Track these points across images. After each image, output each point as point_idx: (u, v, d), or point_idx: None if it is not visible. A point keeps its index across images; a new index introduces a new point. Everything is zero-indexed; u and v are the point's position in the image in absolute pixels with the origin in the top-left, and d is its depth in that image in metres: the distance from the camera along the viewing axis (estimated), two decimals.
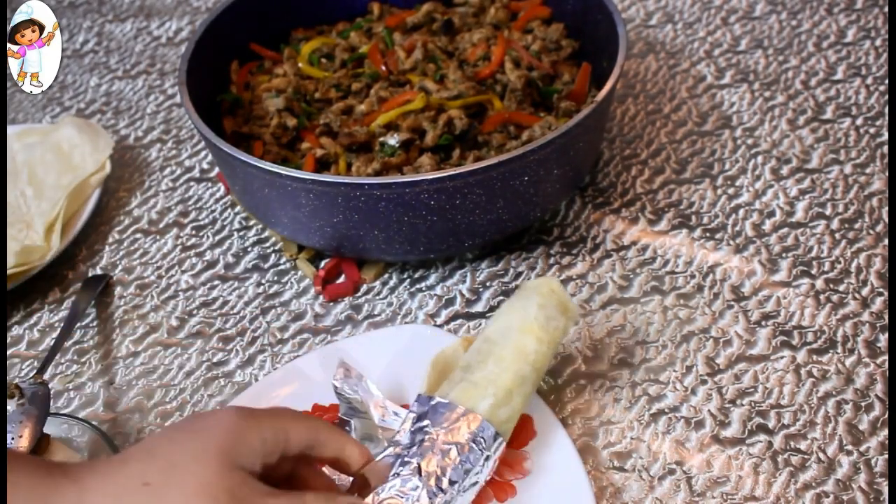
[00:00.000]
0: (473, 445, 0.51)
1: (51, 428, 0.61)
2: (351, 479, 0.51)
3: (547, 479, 0.55)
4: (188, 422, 0.46)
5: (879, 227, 0.72)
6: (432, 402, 0.53)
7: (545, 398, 0.61)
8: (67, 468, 0.42)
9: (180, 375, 0.68)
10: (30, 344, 0.72)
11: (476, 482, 0.52)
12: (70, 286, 0.77)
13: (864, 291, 0.67)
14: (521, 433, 0.57)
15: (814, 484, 0.56)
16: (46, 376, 0.66)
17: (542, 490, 0.55)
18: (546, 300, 0.56)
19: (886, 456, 0.57)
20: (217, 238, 0.79)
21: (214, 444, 0.43)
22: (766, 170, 0.79)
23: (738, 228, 0.74)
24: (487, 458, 0.52)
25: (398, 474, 0.50)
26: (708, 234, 0.73)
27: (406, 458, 0.51)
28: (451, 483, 0.50)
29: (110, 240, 0.81)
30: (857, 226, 0.72)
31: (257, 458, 0.45)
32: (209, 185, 0.85)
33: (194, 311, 0.73)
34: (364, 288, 0.73)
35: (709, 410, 0.61)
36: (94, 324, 0.73)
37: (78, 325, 0.72)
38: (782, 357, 0.64)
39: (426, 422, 0.52)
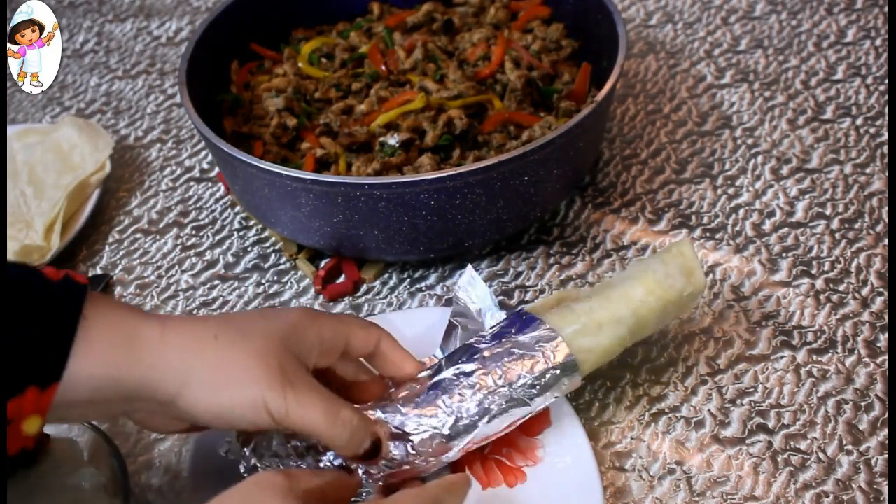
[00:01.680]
0: (545, 372, 0.53)
1: (51, 428, 0.61)
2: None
3: (558, 468, 0.55)
4: (264, 309, 0.54)
5: (879, 227, 0.72)
6: (524, 317, 0.55)
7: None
8: (149, 312, 0.49)
9: None
10: None
11: (527, 403, 0.53)
12: None
13: (864, 291, 0.67)
14: (536, 421, 0.58)
15: (814, 484, 0.56)
16: None
17: (551, 479, 0.55)
18: (672, 259, 0.57)
19: (886, 456, 0.57)
20: (217, 238, 0.79)
21: (278, 329, 0.49)
22: (766, 170, 0.79)
23: (738, 228, 0.74)
24: (548, 388, 0.53)
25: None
26: (708, 234, 0.73)
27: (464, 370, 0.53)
28: (506, 387, 0.53)
29: (110, 240, 0.81)
30: (857, 226, 0.72)
31: (312, 353, 0.50)
32: (209, 185, 0.85)
33: (194, 311, 0.73)
34: (364, 288, 0.73)
35: (709, 410, 0.61)
36: None
37: None
38: (782, 357, 0.64)
39: (511, 329, 0.55)
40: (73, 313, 0.45)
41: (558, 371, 0.53)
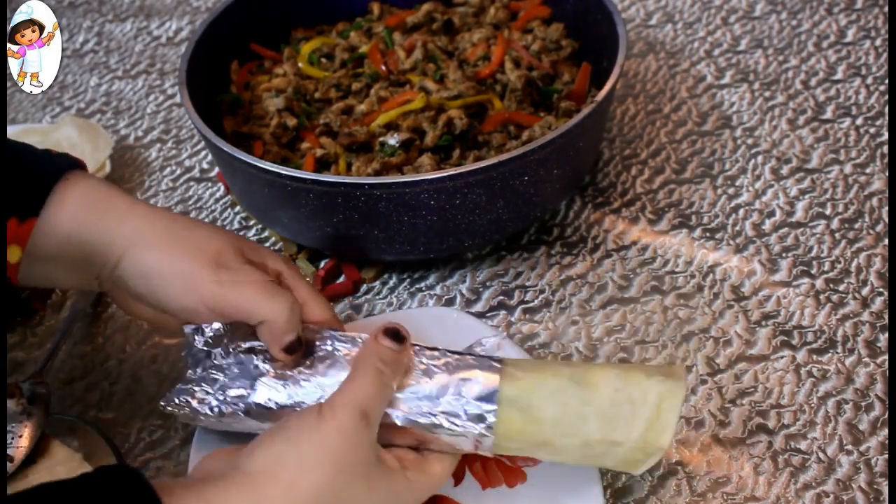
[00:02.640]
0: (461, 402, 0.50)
1: (51, 428, 0.61)
2: None
3: (558, 468, 0.55)
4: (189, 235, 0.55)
5: (879, 227, 0.72)
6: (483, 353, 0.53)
7: None
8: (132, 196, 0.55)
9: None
10: (30, 344, 0.72)
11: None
12: None
13: (864, 291, 0.67)
14: None
15: (814, 484, 0.56)
16: (46, 377, 0.66)
17: (551, 479, 0.55)
18: (641, 411, 0.49)
19: (886, 456, 0.57)
20: None
21: (237, 238, 0.55)
22: (766, 170, 0.79)
23: (738, 228, 0.74)
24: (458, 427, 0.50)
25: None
26: (708, 234, 0.73)
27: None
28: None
29: None
30: (857, 226, 0.72)
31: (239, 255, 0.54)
32: (209, 185, 0.85)
33: None
34: (364, 288, 0.73)
35: (709, 410, 0.61)
36: (95, 324, 0.73)
37: (78, 324, 0.72)
38: (782, 357, 0.64)
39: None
40: (59, 171, 0.52)
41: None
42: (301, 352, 0.53)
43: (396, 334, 0.50)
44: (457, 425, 0.50)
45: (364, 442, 0.46)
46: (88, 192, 0.53)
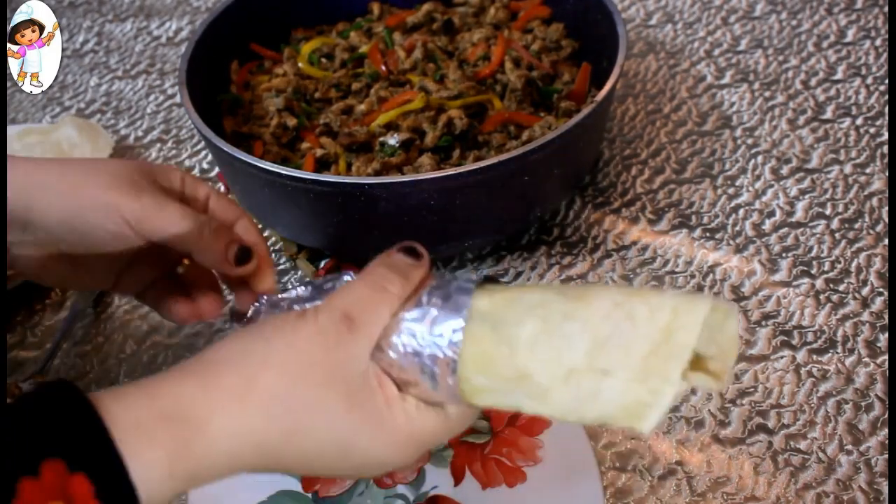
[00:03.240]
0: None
1: None
2: None
3: (558, 468, 0.56)
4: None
5: (879, 227, 0.72)
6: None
7: None
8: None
9: None
10: (30, 344, 0.72)
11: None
12: None
13: (864, 291, 0.67)
14: (537, 422, 0.58)
15: (814, 484, 0.56)
16: (46, 377, 0.66)
17: (551, 479, 0.55)
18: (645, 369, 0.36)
19: (886, 456, 0.57)
20: None
21: (132, 163, 0.51)
22: (766, 170, 0.79)
23: (738, 228, 0.74)
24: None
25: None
26: (708, 234, 0.73)
27: None
28: None
29: None
30: (857, 226, 0.72)
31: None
32: (209, 185, 0.85)
33: None
34: None
35: (709, 410, 0.61)
36: (95, 324, 0.73)
37: (78, 324, 0.72)
38: (782, 357, 0.64)
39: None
40: None
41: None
42: (253, 259, 0.49)
43: (412, 250, 0.43)
44: (423, 349, 0.40)
45: (346, 351, 0.39)
46: None
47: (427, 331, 0.40)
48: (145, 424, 0.35)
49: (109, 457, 0.34)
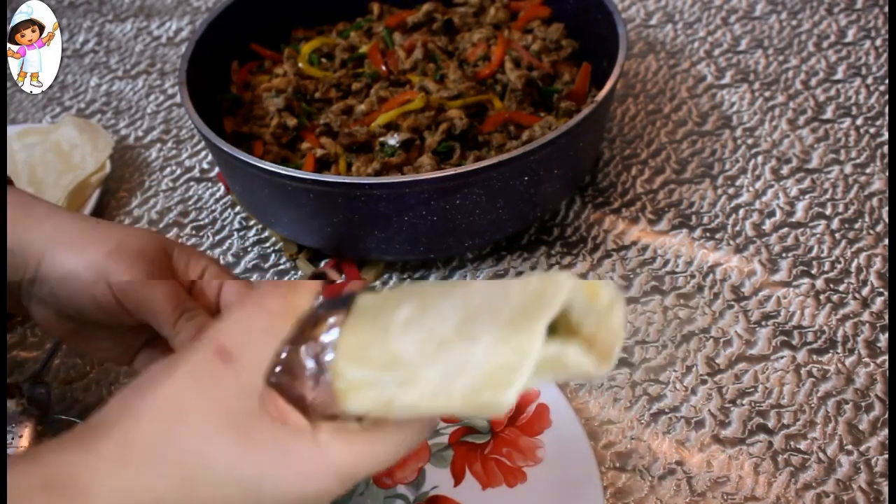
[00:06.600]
0: None
1: (51, 428, 0.61)
2: None
3: (558, 468, 0.56)
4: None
5: (879, 227, 0.72)
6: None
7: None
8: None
9: None
10: (30, 344, 0.72)
11: None
12: None
13: (864, 291, 0.67)
14: (537, 422, 0.58)
15: (814, 484, 0.56)
16: (46, 377, 0.66)
17: (551, 479, 0.55)
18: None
19: (886, 456, 0.57)
20: (217, 238, 0.79)
21: (148, 236, 0.50)
22: (766, 170, 0.79)
23: (738, 228, 0.74)
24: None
25: None
26: (708, 234, 0.73)
27: None
28: None
29: None
30: (857, 226, 0.72)
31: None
32: (209, 185, 0.85)
33: None
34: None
35: (709, 410, 0.61)
36: None
37: None
38: (782, 357, 0.64)
39: None
40: None
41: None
42: None
43: (321, 276, 0.41)
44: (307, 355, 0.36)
45: (225, 388, 0.35)
46: (8, 199, 0.50)
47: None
48: (26, 495, 0.33)
49: None
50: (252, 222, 0.81)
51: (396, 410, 0.35)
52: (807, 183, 0.77)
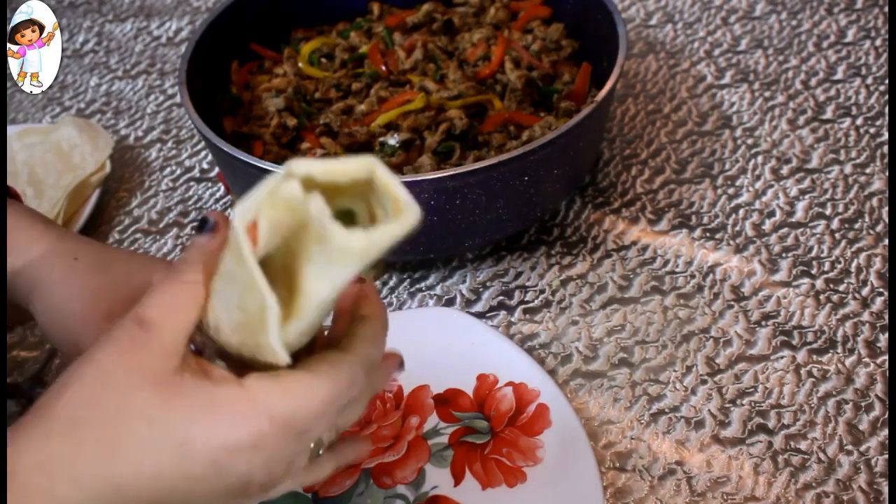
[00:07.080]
0: None
1: None
2: None
3: (558, 468, 0.56)
4: (143, 257, 0.52)
5: (879, 227, 0.72)
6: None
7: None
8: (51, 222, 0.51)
9: None
10: (30, 344, 0.72)
11: None
12: None
13: (864, 291, 0.67)
14: (537, 422, 0.58)
15: (814, 484, 0.56)
16: (46, 377, 0.66)
17: (551, 479, 0.55)
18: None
19: (886, 456, 0.57)
20: None
21: (130, 284, 0.48)
22: (766, 170, 0.79)
23: (738, 228, 0.74)
24: None
25: None
26: (708, 234, 0.73)
27: None
28: None
29: (110, 240, 0.81)
30: (857, 226, 0.72)
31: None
32: (209, 185, 0.85)
33: None
34: None
35: (709, 410, 0.61)
36: None
37: None
38: (782, 357, 0.64)
39: None
40: None
41: None
42: None
43: (204, 222, 0.41)
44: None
45: (143, 352, 0.36)
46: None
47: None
48: None
49: None
50: None
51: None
52: (807, 183, 0.77)
